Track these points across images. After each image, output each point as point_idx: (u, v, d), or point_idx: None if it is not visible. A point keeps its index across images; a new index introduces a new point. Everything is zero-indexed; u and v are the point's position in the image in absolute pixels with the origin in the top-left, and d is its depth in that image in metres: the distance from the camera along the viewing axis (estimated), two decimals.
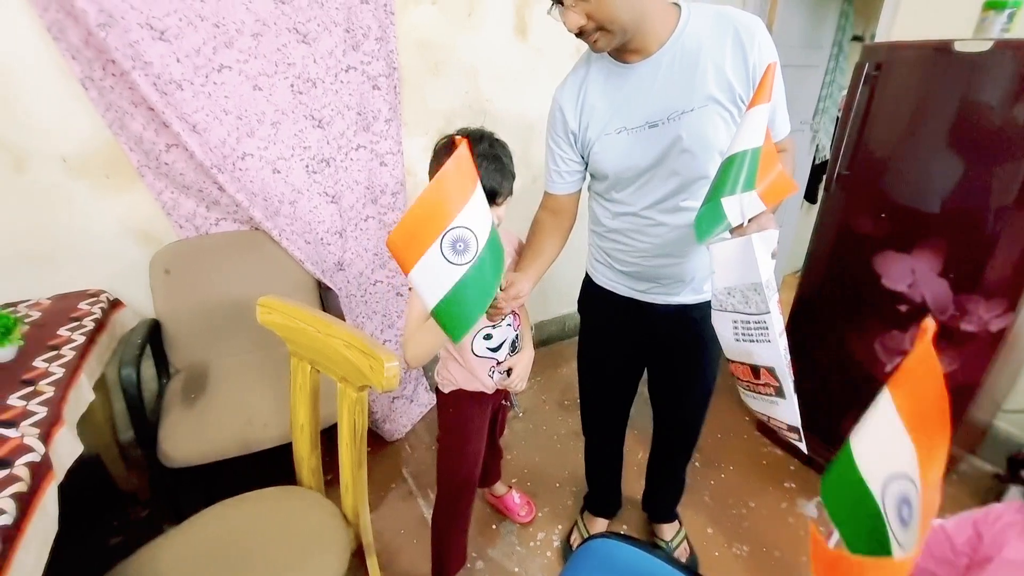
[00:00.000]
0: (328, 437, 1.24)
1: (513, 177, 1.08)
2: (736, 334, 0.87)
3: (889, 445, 0.55)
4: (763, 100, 0.77)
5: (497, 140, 1.08)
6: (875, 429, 0.58)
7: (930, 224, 1.45)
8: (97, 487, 1.71)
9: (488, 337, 1.17)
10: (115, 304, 1.58)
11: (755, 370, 0.88)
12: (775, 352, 0.83)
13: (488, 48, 2.01)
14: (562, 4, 0.89)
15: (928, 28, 1.82)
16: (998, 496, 1.76)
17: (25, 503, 0.87)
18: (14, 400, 1.08)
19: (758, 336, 0.84)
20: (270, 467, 1.40)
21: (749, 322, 0.84)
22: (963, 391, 1.50)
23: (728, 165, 0.81)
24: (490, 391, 1.24)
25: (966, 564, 0.72)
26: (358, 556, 1.24)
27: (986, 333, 1.41)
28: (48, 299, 1.51)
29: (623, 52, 0.98)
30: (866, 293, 1.62)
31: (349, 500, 1.19)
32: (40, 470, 0.94)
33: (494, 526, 1.73)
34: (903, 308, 1.55)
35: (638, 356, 1.32)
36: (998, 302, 1.37)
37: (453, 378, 1.23)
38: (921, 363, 0.54)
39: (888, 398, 0.56)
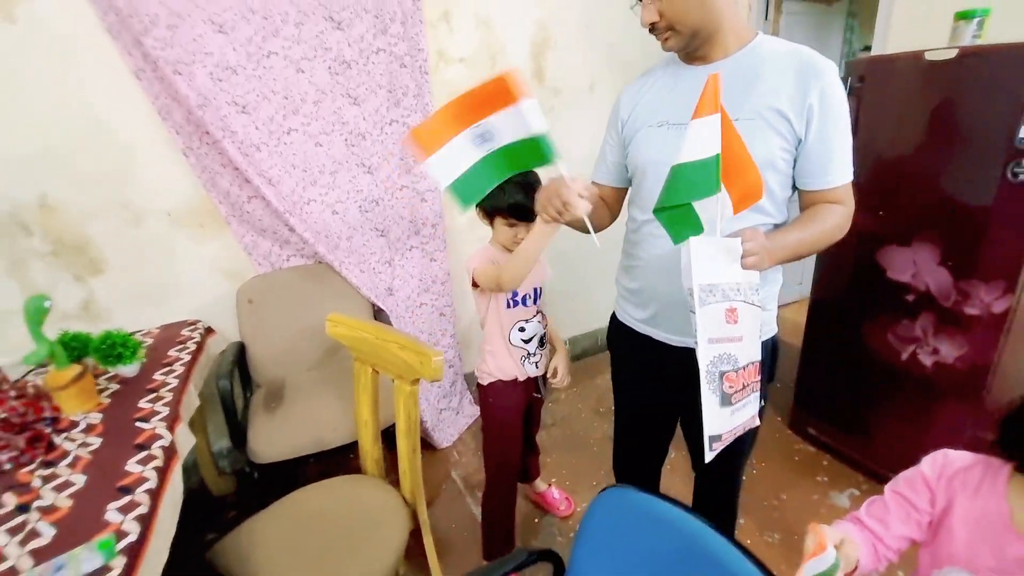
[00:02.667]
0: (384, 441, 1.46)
1: None
2: (761, 328, 0.92)
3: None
4: (707, 111, 0.80)
5: (531, 174, 1.26)
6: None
7: (924, 217, 1.56)
8: (193, 491, 1.99)
9: (522, 330, 1.39)
10: (208, 331, 1.89)
11: (760, 365, 0.94)
12: (757, 348, 0.90)
13: None
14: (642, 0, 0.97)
15: (918, 39, 1.94)
16: None
17: (162, 475, 1.13)
18: (143, 403, 1.37)
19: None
20: (338, 466, 1.63)
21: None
22: (978, 372, 1.56)
23: (678, 173, 0.84)
24: (522, 378, 1.44)
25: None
26: (415, 536, 1.44)
27: (990, 315, 1.49)
28: (157, 328, 1.83)
29: (691, 57, 1.04)
30: (874, 286, 1.72)
31: (407, 483, 1.40)
32: (169, 452, 1.21)
33: (536, 520, 1.89)
34: (910, 298, 1.64)
35: (665, 402, 1.26)
36: (997, 284, 1.46)
37: (490, 370, 1.45)
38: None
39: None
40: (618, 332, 1.27)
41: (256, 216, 1.90)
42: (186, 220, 1.87)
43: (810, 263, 1.90)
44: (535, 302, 1.44)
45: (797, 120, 0.94)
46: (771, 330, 1.15)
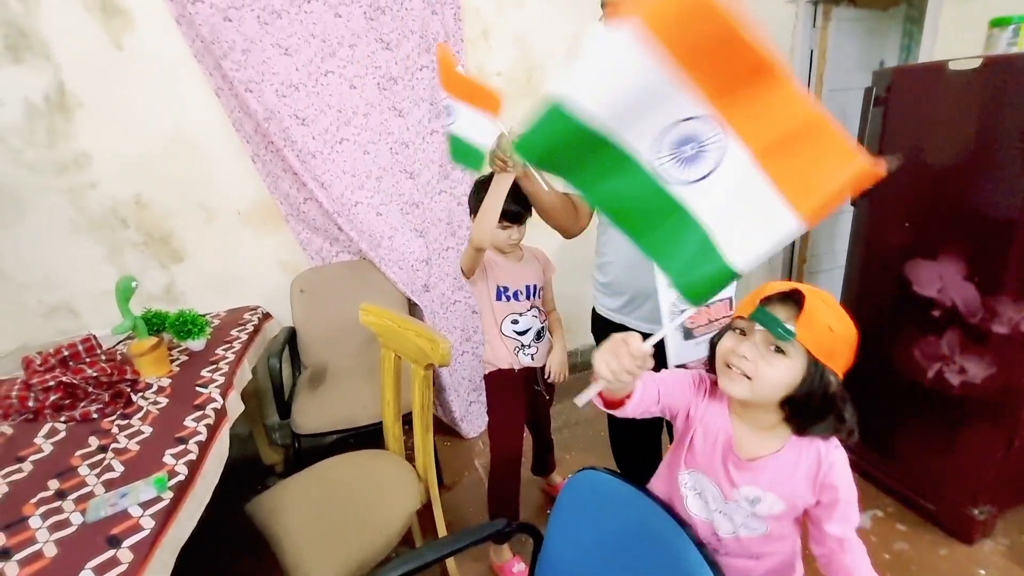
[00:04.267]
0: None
1: None
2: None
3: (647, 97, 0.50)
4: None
5: None
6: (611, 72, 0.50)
7: (950, 230, 1.52)
8: (248, 459, 2.24)
9: (515, 322, 1.51)
10: (266, 316, 2.14)
11: (731, 302, 1.10)
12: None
13: None
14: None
15: (966, 47, 1.87)
16: None
17: (211, 431, 1.34)
18: (204, 372, 1.60)
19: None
20: (372, 445, 1.80)
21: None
22: (1010, 394, 1.49)
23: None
24: (517, 367, 1.55)
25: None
26: (427, 510, 1.57)
27: (1019, 334, 1.43)
28: (224, 312, 2.10)
29: None
30: (900, 301, 1.68)
31: (420, 459, 1.54)
32: (220, 413, 1.42)
33: (549, 511, 1.97)
34: (936, 313, 1.59)
35: None
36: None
37: (489, 359, 1.58)
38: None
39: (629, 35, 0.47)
40: (596, 322, 1.44)
41: (311, 216, 2.14)
42: (252, 218, 2.13)
43: (839, 274, 1.88)
44: (528, 298, 1.56)
45: None
46: None
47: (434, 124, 2.19)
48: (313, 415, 1.84)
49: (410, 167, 2.20)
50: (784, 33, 2.75)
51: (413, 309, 2.28)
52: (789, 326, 0.75)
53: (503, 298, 1.56)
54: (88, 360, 1.55)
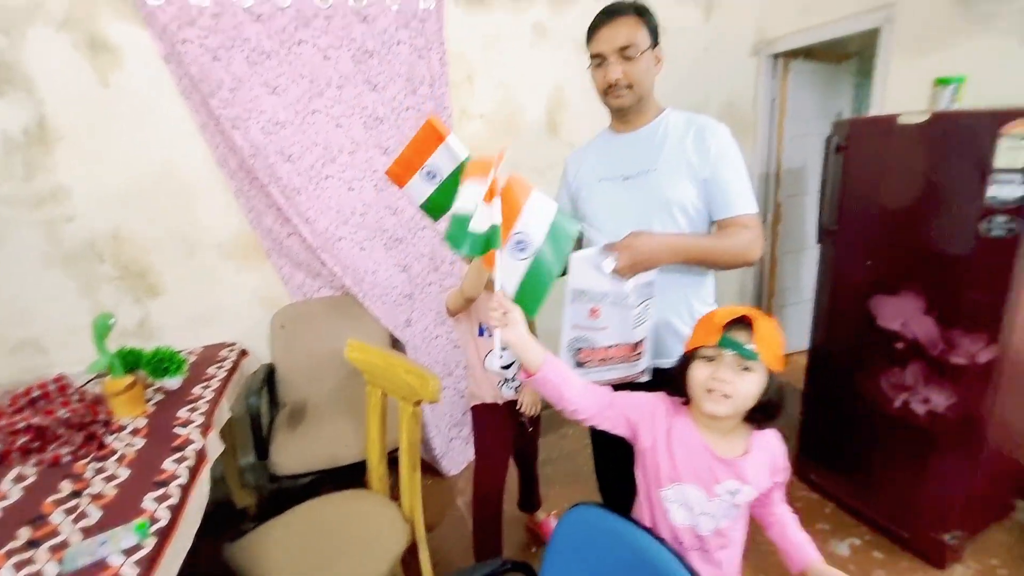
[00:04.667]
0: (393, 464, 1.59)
1: None
2: (636, 323, 1.16)
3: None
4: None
5: None
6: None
7: (908, 268, 1.63)
8: (219, 502, 2.15)
9: (500, 357, 1.53)
10: (243, 353, 2.10)
11: (635, 345, 1.19)
12: (652, 324, 1.19)
13: (526, 147, 2.49)
14: (606, 59, 1.19)
15: (912, 101, 2.05)
16: None
17: (192, 473, 1.29)
18: (182, 412, 1.56)
19: (643, 319, 1.17)
20: (351, 486, 1.76)
21: (646, 309, 1.17)
22: (972, 423, 1.58)
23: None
24: (500, 402, 1.57)
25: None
26: (414, 552, 1.54)
27: (976, 365, 1.52)
28: (201, 348, 2.05)
29: (621, 123, 1.31)
30: (866, 334, 1.77)
31: (406, 499, 1.52)
32: (200, 455, 1.38)
33: (534, 549, 1.95)
34: (900, 346, 1.68)
35: None
36: (980, 335, 1.50)
37: (474, 392, 1.60)
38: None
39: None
40: None
41: (294, 251, 2.13)
42: (233, 253, 2.11)
43: (806, 308, 1.97)
44: None
45: (701, 167, 1.20)
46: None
47: None
48: (293, 454, 1.80)
49: (394, 203, 2.23)
50: (748, 84, 2.94)
51: (395, 344, 2.27)
52: (750, 347, 0.87)
53: (486, 333, 1.58)
54: (60, 400, 1.49)
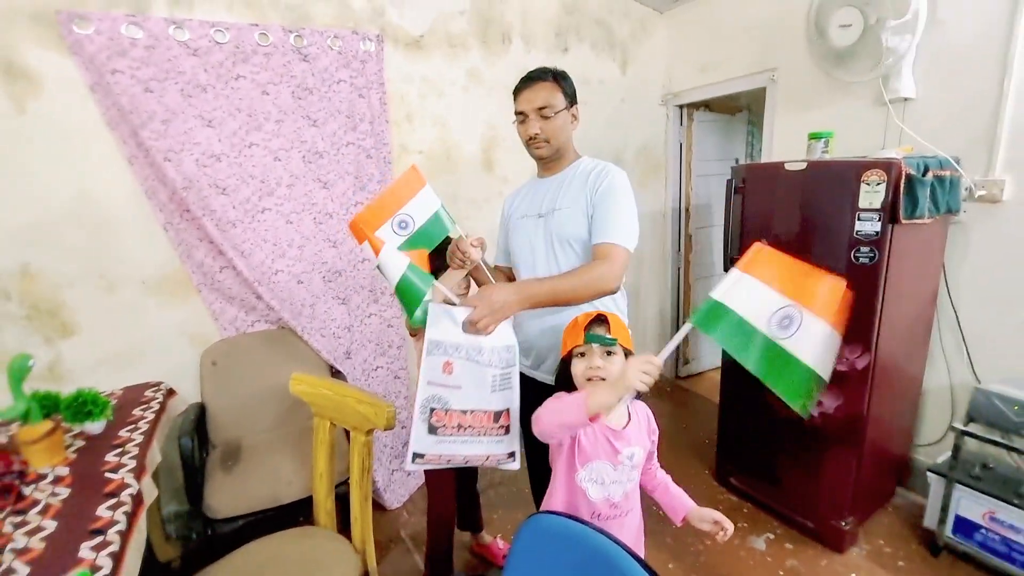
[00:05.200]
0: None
1: None
2: (494, 386, 1.17)
3: (758, 298, 1.03)
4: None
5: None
6: (744, 294, 1.04)
7: None
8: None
9: None
10: (170, 392, 1.98)
11: (497, 415, 1.17)
12: (516, 395, 1.18)
13: (464, 181, 2.61)
14: (527, 117, 1.39)
15: (793, 150, 2.41)
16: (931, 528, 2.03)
17: (130, 519, 1.23)
18: (110, 457, 1.46)
19: (507, 384, 1.17)
20: (285, 523, 1.71)
21: (506, 373, 1.17)
22: (853, 420, 1.85)
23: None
24: None
25: None
26: None
27: (855, 371, 1.80)
28: (120, 390, 1.91)
29: (546, 168, 1.51)
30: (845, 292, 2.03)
31: (358, 530, 1.51)
32: (136, 499, 1.31)
33: (480, 572, 1.98)
34: None
35: None
36: (856, 346, 1.79)
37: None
38: (759, 254, 1.08)
39: (741, 275, 1.06)
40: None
41: (226, 285, 2.07)
42: (159, 288, 2.01)
43: None
44: None
45: (589, 203, 1.37)
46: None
47: (359, 196, 2.28)
48: (230, 497, 1.72)
49: (333, 236, 2.25)
50: (659, 130, 3.29)
51: (336, 376, 2.25)
52: (609, 337, 1.12)
53: None
54: None
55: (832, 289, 1.07)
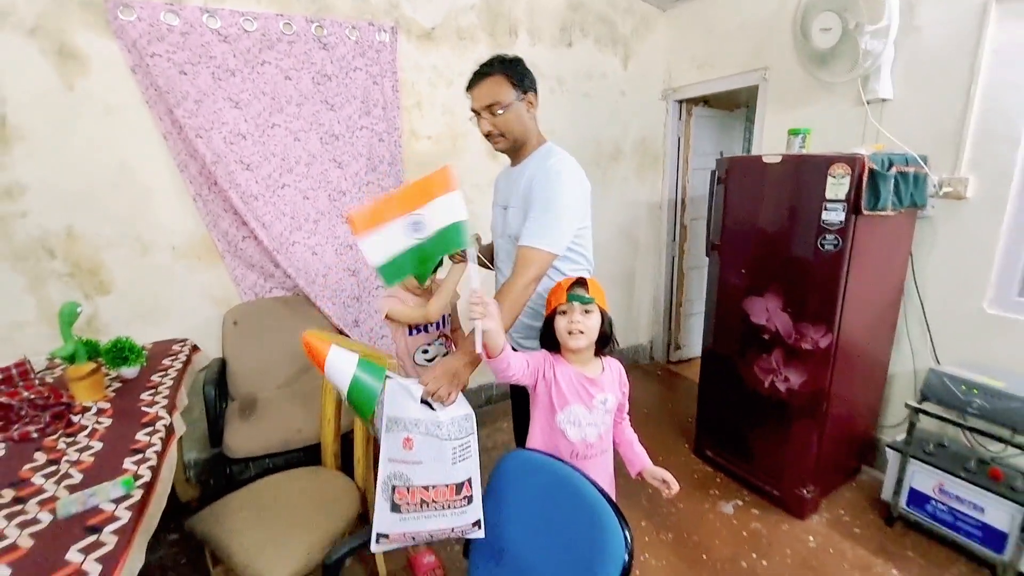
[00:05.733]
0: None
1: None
2: (455, 458, 1.13)
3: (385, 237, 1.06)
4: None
5: None
6: (379, 244, 1.07)
7: (770, 275, 2.07)
8: None
9: (425, 352, 1.76)
10: (195, 348, 2.19)
11: (459, 487, 1.13)
12: (476, 463, 1.16)
13: (468, 167, 2.78)
14: (479, 115, 1.40)
15: (780, 145, 2.56)
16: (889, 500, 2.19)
17: (165, 443, 1.43)
18: (144, 396, 1.67)
19: (467, 454, 1.14)
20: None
21: (465, 443, 1.15)
22: (817, 395, 2.01)
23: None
24: None
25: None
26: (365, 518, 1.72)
27: (818, 349, 1.96)
28: (150, 344, 2.12)
29: (513, 158, 1.51)
30: (743, 329, 2.19)
31: (360, 469, 1.70)
32: (169, 429, 1.51)
33: None
34: (766, 336, 2.11)
35: None
36: (820, 326, 1.94)
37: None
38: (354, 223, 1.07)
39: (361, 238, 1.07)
40: None
41: (248, 253, 2.27)
42: (187, 253, 2.22)
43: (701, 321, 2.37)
44: (438, 328, 1.79)
45: (527, 203, 1.38)
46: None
47: (370, 176, 2.46)
48: (246, 439, 1.93)
49: (346, 212, 2.43)
50: (658, 124, 3.43)
51: None
52: (588, 296, 1.25)
53: (414, 332, 1.76)
54: (22, 384, 1.56)
55: (436, 175, 1.08)
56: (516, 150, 1.48)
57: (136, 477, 1.23)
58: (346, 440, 1.80)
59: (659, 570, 1.90)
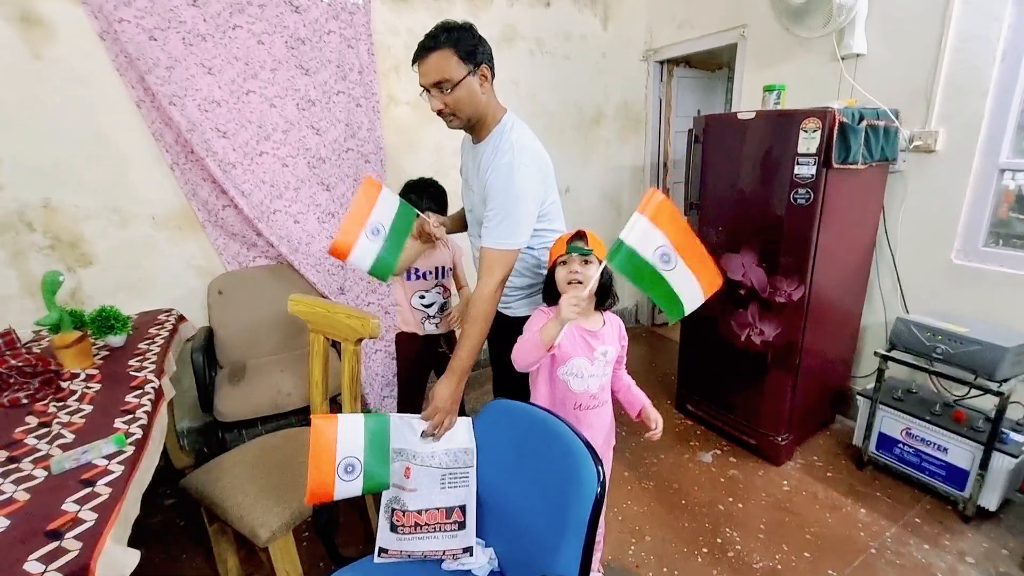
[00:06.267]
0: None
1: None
2: (443, 483, 1.24)
3: (649, 236, 1.09)
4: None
5: (436, 184, 1.86)
6: (640, 233, 1.10)
7: (746, 231, 2.11)
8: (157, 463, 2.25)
9: (422, 297, 1.85)
10: (181, 318, 2.21)
11: (448, 511, 1.23)
12: (472, 493, 1.24)
13: (449, 133, 2.75)
14: (429, 92, 1.30)
15: (757, 103, 2.57)
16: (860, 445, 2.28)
17: (154, 405, 1.46)
18: (132, 362, 1.69)
19: (460, 482, 1.24)
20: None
21: (456, 473, 1.25)
22: (791, 347, 2.08)
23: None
24: (421, 333, 1.94)
25: None
26: None
27: (791, 301, 2.02)
28: (136, 315, 2.14)
29: (473, 134, 1.45)
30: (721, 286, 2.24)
31: None
32: (158, 392, 1.54)
33: None
34: (742, 292, 2.17)
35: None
36: (793, 279, 1.99)
37: (400, 324, 1.96)
38: (654, 198, 1.10)
39: (641, 218, 1.10)
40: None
41: (229, 222, 2.27)
42: (167, 223, 2.21)
43: None
44: (437, 278, 1.95)
45: (484, 191, 1.38)
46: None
47: (350, 143, 2.45)
48: (237, 403, 1.97)
49: (327, 179, 2.43)
50: (640, 86, 3.42)
51: None
52: (587, 248, 1.29)
53: (412, 277, 1.92)
54: (9, 353, 1.58)
55: (709, 267, 1.20)
56: (473, 127, 1.40)
57: (128, 435, 1.27)
58: (335, 404, 1.85)
59: (640, 515, 1.99)
